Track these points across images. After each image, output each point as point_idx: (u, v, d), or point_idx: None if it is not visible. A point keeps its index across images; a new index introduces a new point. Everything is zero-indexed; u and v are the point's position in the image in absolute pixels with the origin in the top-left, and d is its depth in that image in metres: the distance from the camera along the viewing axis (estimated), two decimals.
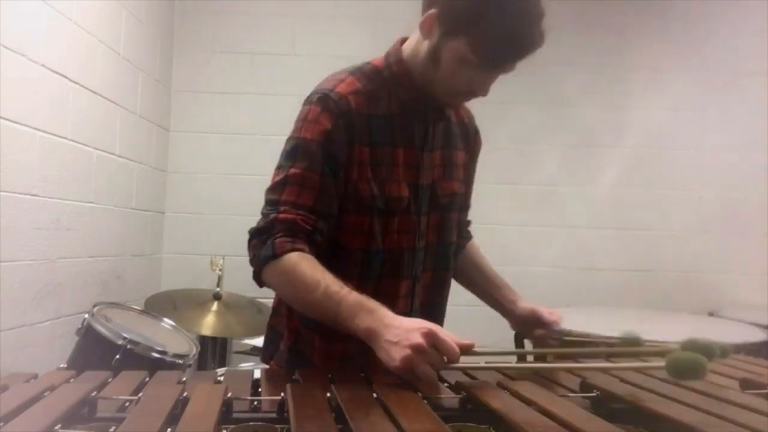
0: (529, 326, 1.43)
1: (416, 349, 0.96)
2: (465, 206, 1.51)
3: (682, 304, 3.31)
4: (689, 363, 0.90)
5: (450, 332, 1.02)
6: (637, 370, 1.01)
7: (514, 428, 0.76)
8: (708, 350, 0.93)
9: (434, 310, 1.36)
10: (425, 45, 1.23)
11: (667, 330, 2.50)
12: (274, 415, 0.86)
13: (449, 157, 1.36)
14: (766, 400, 0.91)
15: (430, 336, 0.97)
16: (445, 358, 0.98)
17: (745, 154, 3.47)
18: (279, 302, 1.36)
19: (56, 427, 0.74)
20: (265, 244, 1.16)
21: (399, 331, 0.99)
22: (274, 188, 1.21)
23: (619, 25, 3.49)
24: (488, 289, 1.50)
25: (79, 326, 1.98)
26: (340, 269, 1.16)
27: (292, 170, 1.20)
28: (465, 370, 1.08)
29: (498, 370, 1.09)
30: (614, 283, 3.43)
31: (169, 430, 0.74)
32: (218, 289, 2.79)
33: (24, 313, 2.12)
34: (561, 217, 3.48)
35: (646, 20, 3.49)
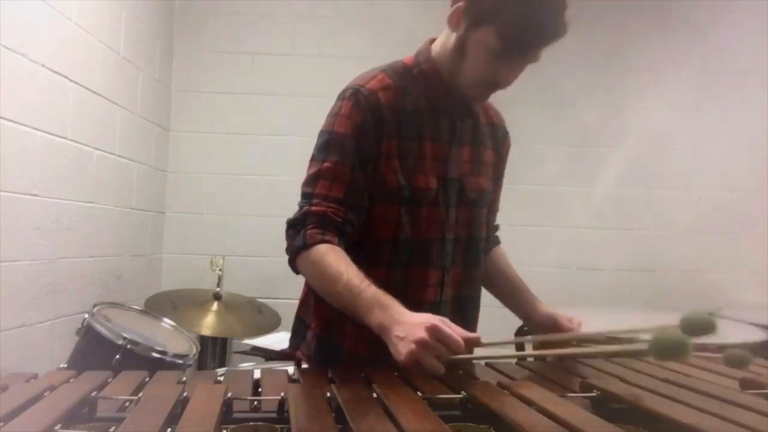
0: (547, 332, 1.44)
1: (420, 343, 1.00)
2: (495, 207, 1.53)
3: (682, 304, 3.30)
4: (673, 343, 0.89)
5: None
6: (620, 352, 1.02)
7: (514, 428, 0.76)
8: (704, 325, 0.92)
9: (466, 304, 1.40)
10: (452, 38, 1.28)
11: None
12: (274, 415, 0.86)
13: (477, 154, 1.40)
14: (766, 400, 0.91)
15: (433, 330, 1.01)
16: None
17: (745, 154, 3.47)
18: (307, 294, 1.40)
19: (56, 427, 0.74)
20: (298, 235, 1.22)
21: (406, 327, 1.04)
22: (308, 181, 1.27)
23: (619, 25, 3.49)
24: (510, 294, 1.53)
25: (79, 326, 1.98)
26: (371, 257, 1.25)
27: (325, 164, 1.25)
28: (470, 361, 1.10)
29: (497, 358, 1.13)
30: (614, 283, 3.43)
31: (169, 430, 0.74)
32: (218, 289, 2.79)
33: (24, 313, 2.12)
34: (561, 217, 3.48)
35: (646, 20, 3.49)
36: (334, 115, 1.28)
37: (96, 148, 2.57)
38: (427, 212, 1.30)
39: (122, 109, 2.80)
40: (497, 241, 1.61)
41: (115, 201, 2.77)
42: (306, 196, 1.26)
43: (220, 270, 2.86)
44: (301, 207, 1.25)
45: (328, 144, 1.27)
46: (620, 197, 3.50)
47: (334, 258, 1.17)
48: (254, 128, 3.43)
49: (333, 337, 1.33)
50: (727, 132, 3.49)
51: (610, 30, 3.50)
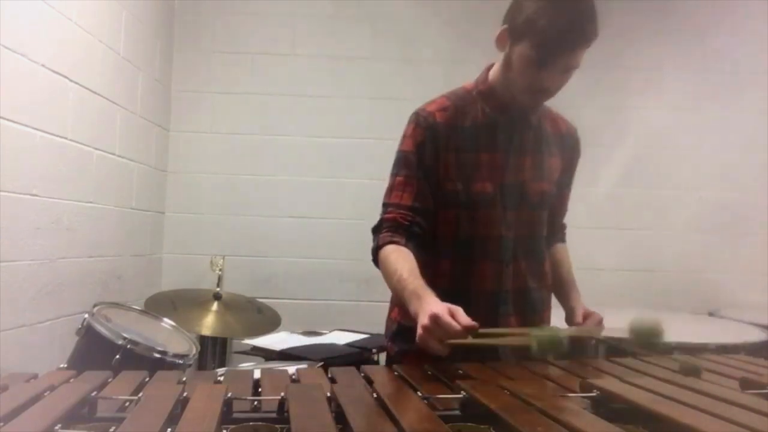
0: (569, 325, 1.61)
1: (424, 328, 1.20)
2: (562, 209, 1.70)
3: (682, 304, 3.31)
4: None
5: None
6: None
7: (514, 428, 0.76)
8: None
9: (527, 296, 1.54)
10: (501, 57, 1.48)
11: (667, 330, 2.50)
12: (274, 415, 0.87)
13: (540, 161, 1.55)
14: (766, 400, 0.91)
15: (433, 318, 1.18)
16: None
17: (745, 154, 3.47)
18: (391, 296, 1.60)
19: (56, 427, 0.74)
20: (376, 238, 1.48)
21: (423, 315, 1.22)
22: (386, 194, 1.53)
23: (619, 25, 3.48)
24: (555, 288, 1.66)
25: (79, 326, 1.98)
26: (438, 253, 1.49)
27: (397, 178, 1.51)
28: (466, 346, 1.17)
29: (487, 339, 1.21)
30: (614, 283, 3.42)
31: (169, 430, 0.74)
32: (218, 289, 2.79)
33: (24, 313, 2.12)
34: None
35: (646, 20, 3.49)
36: (403, 137, 1.53)
37: (96, 148, 2.57)
38: (485, 214, 1.48)
39: (122, 109, 2.80)
40: (562, 239, 1.75)
41: (115, 201, 2.77)
42: (384, 207, 1.51)
43: (220, 270, 2.86)
44: (380, 216, 1.50)
45: (398, 161, 1.52)
46: (620, 197, 3.50)
47: (395, 257, 1.40)
48: (254, 128, 3.43)
49: (408, 321, 1.46)
50: (727, 132, 3.48)
51: (610, 30, 3.48)
